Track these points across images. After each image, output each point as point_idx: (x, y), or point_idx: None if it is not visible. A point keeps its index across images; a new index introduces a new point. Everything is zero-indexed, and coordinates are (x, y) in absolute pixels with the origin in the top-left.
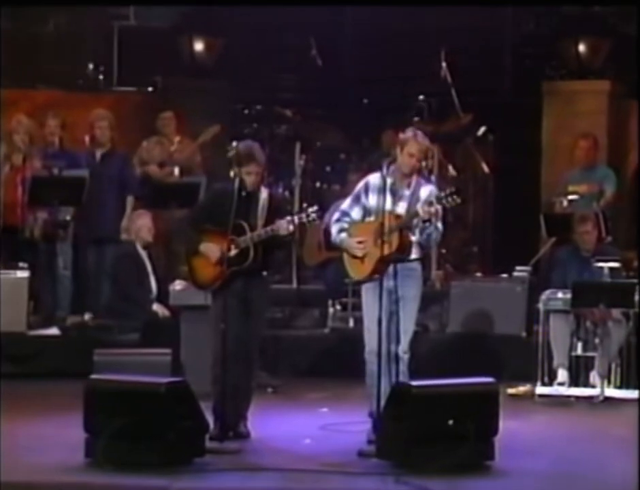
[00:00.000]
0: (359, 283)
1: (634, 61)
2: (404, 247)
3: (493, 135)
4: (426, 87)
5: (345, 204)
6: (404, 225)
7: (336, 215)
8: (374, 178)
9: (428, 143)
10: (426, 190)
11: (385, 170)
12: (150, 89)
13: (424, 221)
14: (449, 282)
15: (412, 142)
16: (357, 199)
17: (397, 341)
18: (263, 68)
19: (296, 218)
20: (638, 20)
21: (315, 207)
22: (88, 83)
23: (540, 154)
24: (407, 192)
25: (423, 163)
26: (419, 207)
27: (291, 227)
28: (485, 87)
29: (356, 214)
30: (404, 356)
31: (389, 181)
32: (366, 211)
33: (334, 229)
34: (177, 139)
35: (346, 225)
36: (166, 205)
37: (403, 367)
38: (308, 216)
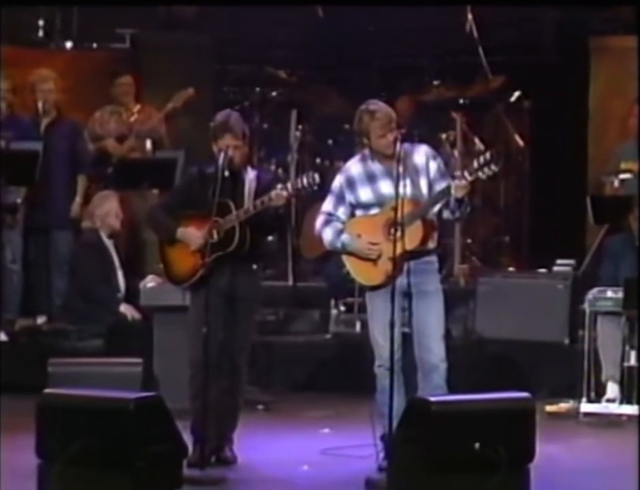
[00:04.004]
0: (375, 289)
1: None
2: (428, 237)
3: (529, 101)
4: (448, 44)
5: (327, 205)
6: (426, 210)
7: (322, 217)
8: (355, 168)
9: (386, 108)
10: (420, 156)
11: (370, 155)
12: (116, 45)
13: (457, 200)
14: (476, 278)
15: (372, 123)
16: (340, 198)
17: (427, 349)
18: (253, 20)
19: (289, 184)
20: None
21: (310, 172)
22: (40, 37)
23: (586, 124)
24: (401, 168)
25: (444, 136)
26: (453, 184)
27: (285, 193)
28: (519, 43)
29: (342, 213)
30: (441, 366)
31: (375, 166)
32: (357, 208)
33: (329, 233)
34: (137, 107)
35: (340, 225)
36: (135, 185)
37: (439, 379)
38: (303, 180)
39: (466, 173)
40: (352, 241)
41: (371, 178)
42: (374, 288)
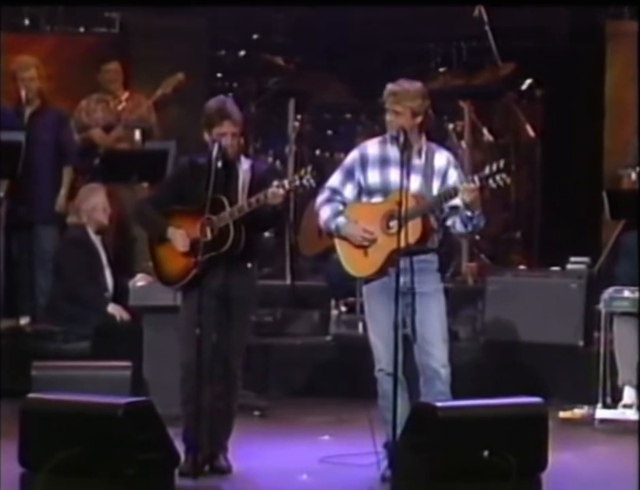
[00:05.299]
0: (365, 281)
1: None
2: (427, 237)
3: (541, 89)
4: (455, 28)
5: (335, 180)
6: (429, 209)
7: (325, 194)
8: (372, 148)
9: (414, 88)
10: (442, 159)
11: (391, 138)
12: (105, 30)
13: (466, 207)
14: (485, 277)
15: (390, 98)
16: (349, 175)
17: (427, 353)
18: (249, 3)
19: (286, 181)
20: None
21: (309, 168)
22: (24, 21)
23: (602, 114)
24: (418, 162)
25: (451, 126)
26: (460, 186)
27: (282, 191)
28: (531, 28)
29: (349, 193)
30: (443, 372)
31: (392, 151)
32: (363, 190)
33: (326, 211)
34: (125, 95)
35: (341, 207)
36: (124, 178)
37: (441, 385)
38: (301, 178)
39: (475, 177)
40: (346, 225)
41: (383, 162)
42: (362, 280)
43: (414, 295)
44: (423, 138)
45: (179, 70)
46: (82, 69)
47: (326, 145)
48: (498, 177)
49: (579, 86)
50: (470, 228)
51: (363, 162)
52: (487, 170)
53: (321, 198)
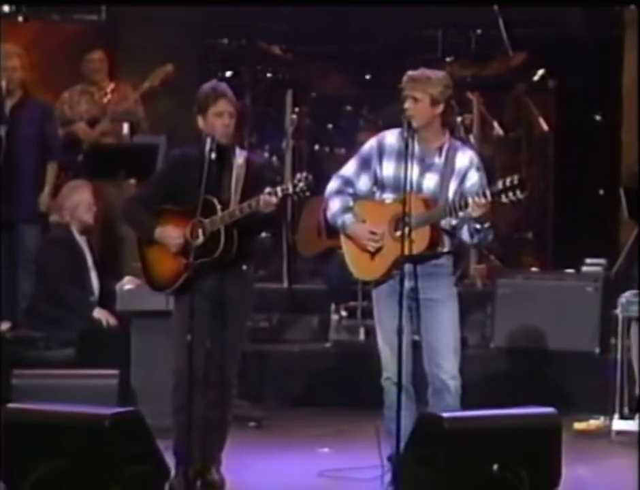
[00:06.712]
0: (366, 284)
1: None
2: (435, 245)
3: (554, 80)
4: (464, 16)
5: (349, 168)
6: (438, 219)
7: (336, 183)
8: (390, 138)
9: (435, 75)
10: (464, 159)
11: (406, 130)
12: (90, 18)
13: (475, 219)
14: (495, 279)
15: (409, 84)
16: (365, 164)
17: (436, 364)
18: None
19: (279, 189)
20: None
21: (303, 174)
22: (5, 8)
23: (620, 106)
24: (437, 160)
25: (458, 119)
26: (470, 200)
27: (274, 199)
28: (544, 16)
29: (363, 184)
30: (452, 384)
31: (411, 144)
32: (377, 183)
33: (336, 204)
34: (110, 86)
35: (351, 202)
36: (110, 174)
37: (450, 399)
38: (295, 185)
39: (487, 192)
40: (353, 225)
41: (400, 156)
42: (366, 283)
43: (417, 300)
44: (446, 134)
45: (168, 59)
46: (64, 58)
47: (326, 140)
48: (511, 194)
49: (595, 76)
50: (475, 240)
51: (381, 152)
52: (500, 185)
53: (331, 187)
